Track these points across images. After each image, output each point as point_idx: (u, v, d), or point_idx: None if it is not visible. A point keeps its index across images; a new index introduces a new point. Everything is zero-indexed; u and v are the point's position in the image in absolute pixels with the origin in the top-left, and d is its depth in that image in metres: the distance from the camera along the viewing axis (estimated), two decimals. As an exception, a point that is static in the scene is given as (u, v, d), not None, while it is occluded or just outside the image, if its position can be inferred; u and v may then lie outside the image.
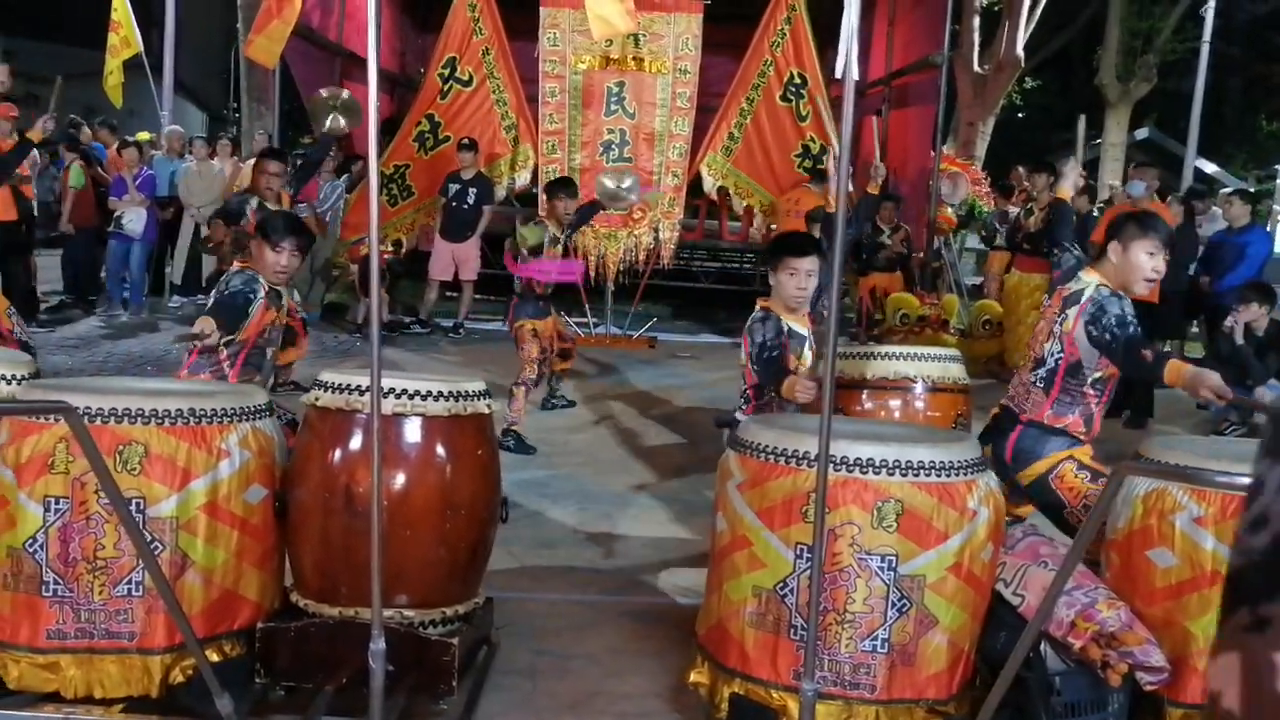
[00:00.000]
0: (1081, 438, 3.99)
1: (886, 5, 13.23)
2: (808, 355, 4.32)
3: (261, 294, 4.34)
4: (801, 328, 4.36)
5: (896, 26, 13.14)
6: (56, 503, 3.08)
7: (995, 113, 17.12)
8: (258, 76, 12.10)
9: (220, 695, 2.95)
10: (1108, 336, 3.78)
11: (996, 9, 18.45)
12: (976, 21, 16.89)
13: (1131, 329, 3.78)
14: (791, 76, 11.31)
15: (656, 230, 11.28)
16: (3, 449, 3.16)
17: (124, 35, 11.38)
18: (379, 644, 2.87)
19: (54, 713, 3.05)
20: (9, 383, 3.63)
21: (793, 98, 11.36)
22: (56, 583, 3.09)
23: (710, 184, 11.51)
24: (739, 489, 3.21)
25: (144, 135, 11.37)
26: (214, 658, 3.14)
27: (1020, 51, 16.39)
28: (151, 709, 3.13)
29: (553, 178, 11.09)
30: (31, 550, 3.09)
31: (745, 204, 11.67)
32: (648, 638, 4.07)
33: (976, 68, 16.66)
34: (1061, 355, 3.95)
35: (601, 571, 4.85)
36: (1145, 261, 3.89)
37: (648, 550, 5.16)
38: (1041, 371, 4.00)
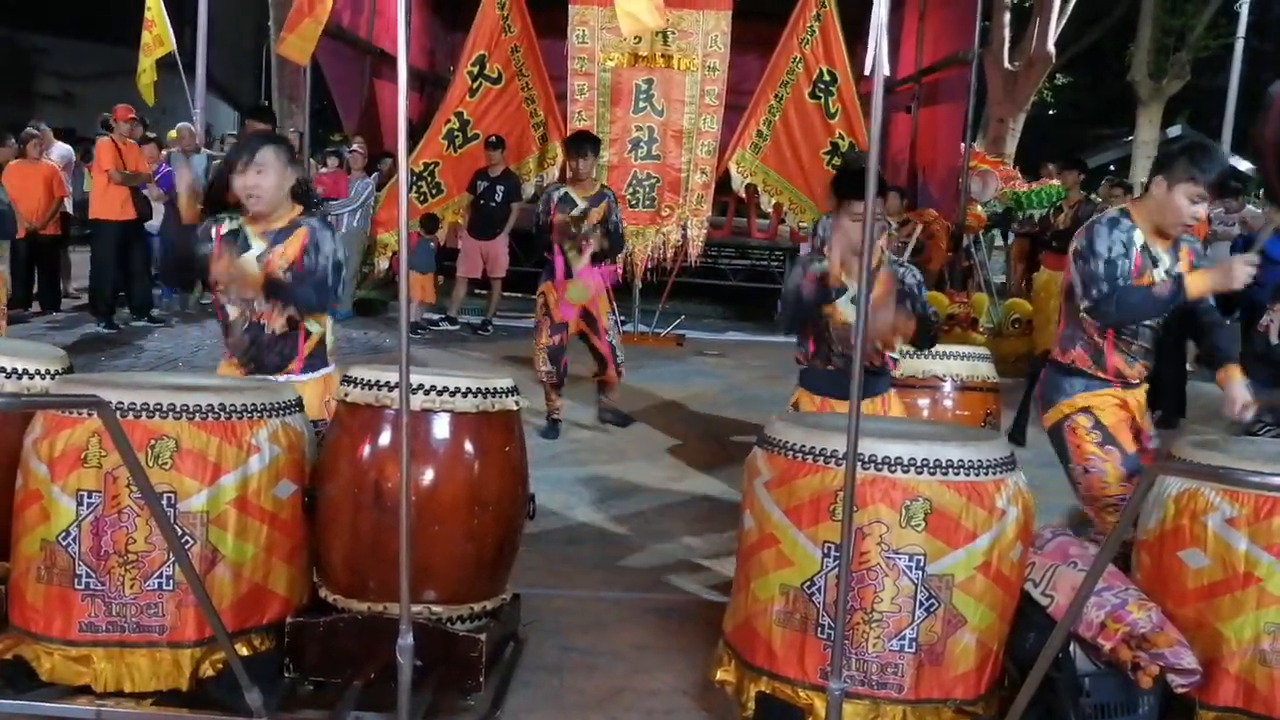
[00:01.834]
0: (1100, 376, 3.79)
1: (917, 1, 13.19)
2: (849, 308, 4.11)
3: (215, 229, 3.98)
4: (851, 281, 4.13)
5: (926, 23, 13.11)
6: (89, 496, 3.11)
7: (1025, 110, 17.01)
8: (289, 74, 12.19)
9: (249, 689, 2.98)
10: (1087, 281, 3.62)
11: (1027, 5, 18.32)
12: (1007, 18, 16.78)
13: (1120, 283, 3.59)
14: (821, 74, 11.27)
15: (684, 227, 11.27)
16: (37, 443, 3.19)
17: (157, 33, 11.44)
18: (407, 639, 2.89)
19: (86, 705, 3.08)
20: (43, 377, 3.66)
21: (822, 95, 11.31)
22: (89, 576, 3.11)
23: (739, 181, 11.48)
24: (766, 487, 3.20)
25: (173, 134, 11.43)
26: (243, 652, 3.16)
27: (1051, 48, 16.27)
28: (181, 702, 3.14)
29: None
30: (64, 544, 3.12)
31: (774, 201, 11.64)
32: (674, 635, 4.07)
33: (1007, 64, 16.55)
34: (1068, 281, 3.78)
35: (627, 569, 4.85)
36: (1186, 207, 3.64)
37: (674, 547, 5.16)
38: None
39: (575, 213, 6.86)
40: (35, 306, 10.85)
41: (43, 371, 3.68)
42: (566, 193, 6.99)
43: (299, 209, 3.97)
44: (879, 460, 3.01)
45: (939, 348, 5.26)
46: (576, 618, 4.19)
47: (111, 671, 3.11)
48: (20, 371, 3.63)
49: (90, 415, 3.08)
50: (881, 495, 2.99)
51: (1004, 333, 10.13)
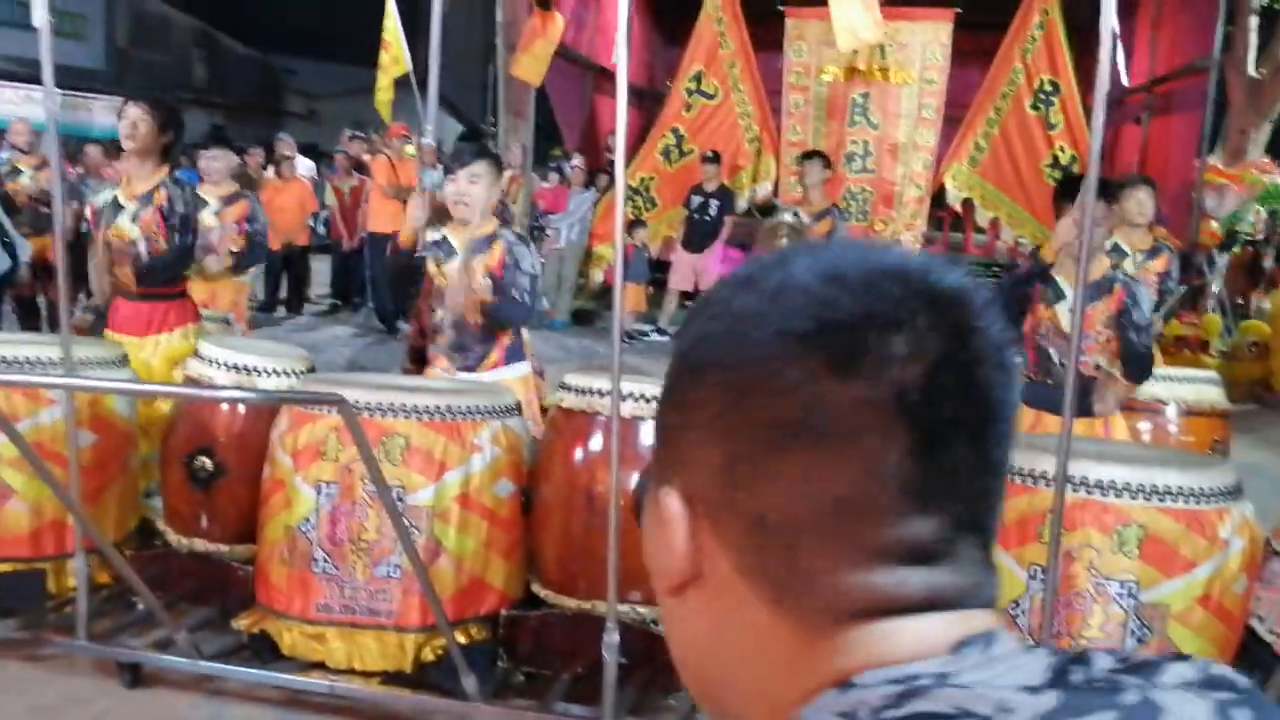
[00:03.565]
0: None
1: (1150, 7, 12.62)
2: (1064, 313, 3.98)
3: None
4: (1069, 285, 4.02)
5: (1161, 29, 12.53)
6: (327, 487, 3.36)
7: (1271, 119, 15.97)
8: (515, 90, 12.61)
9: (467, 675, 3.15)
10: None
11: (1277, 8, 17.24)
12: (1254, 21, 15.81)
13: None
14: (1041, 84, 10.93)
15: (898, 242, 11.13)
16: (283, 436, 3.47)
17: (394, 54, 12.07)
18: (613, 636, 3.00)
19: (321, 679, 3.32)
20: (288, 376, 3.97)
21: (1043, 106, 10.98)
22: (325, 561, 3.36)
23: (955, 195, 11.27)
24: (973, 505, 3.17)
25: (410, 149, 12.03)
26: (461, 640, 3.32)
27: (1302, 54, 15.25)
28: (405, 683, 3.35)
29: (795, 190, 11.16)
30: (305, 530, 3.38)
31: (991, 216, 11.36)
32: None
33: (1251, 71, 15.61)
34: None
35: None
36: None
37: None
38: None
39: (789, 220, 6.84)
40: (280, 311, 11.62)
41: (288, 370, 3.98)
42: (796, 210, 7.05)
43: (497, 221, 4.24)
44: (1090, 483, 2.94)
45: (1163, 370, 5.05)
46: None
47: (344, 650, 3.34)
48: (269, 370, 3.95)
49: (330, 412, 3.32)
50: (1093, 519, 2.93)
51: (1239, 356, 9.58)
